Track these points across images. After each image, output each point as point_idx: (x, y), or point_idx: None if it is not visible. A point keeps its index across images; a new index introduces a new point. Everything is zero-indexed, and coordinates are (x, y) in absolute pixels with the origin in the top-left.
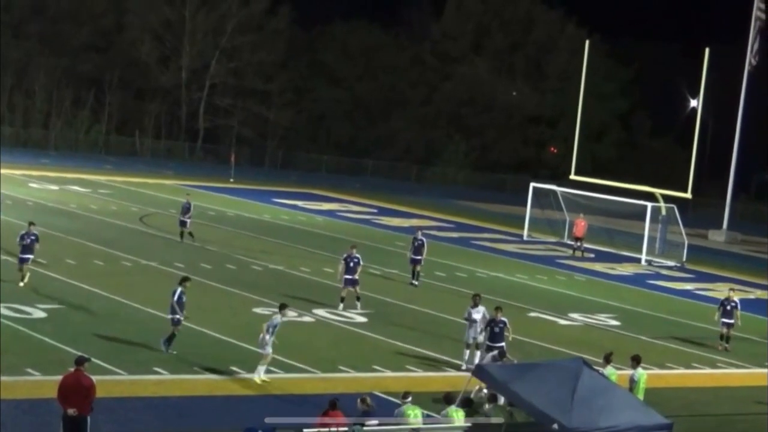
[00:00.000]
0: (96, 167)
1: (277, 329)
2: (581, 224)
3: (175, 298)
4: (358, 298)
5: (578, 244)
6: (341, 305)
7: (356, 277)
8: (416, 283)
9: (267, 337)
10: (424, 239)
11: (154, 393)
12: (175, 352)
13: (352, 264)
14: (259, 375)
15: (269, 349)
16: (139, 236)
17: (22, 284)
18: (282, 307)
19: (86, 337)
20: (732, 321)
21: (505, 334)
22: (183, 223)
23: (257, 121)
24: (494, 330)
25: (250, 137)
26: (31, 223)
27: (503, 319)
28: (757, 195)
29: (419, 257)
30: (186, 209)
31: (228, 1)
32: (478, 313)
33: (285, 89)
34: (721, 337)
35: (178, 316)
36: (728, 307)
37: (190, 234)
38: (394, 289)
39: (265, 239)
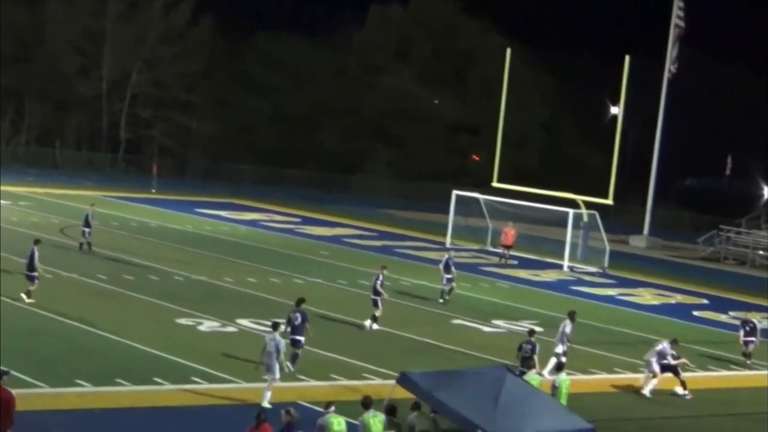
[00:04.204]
0: (16, 179)
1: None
2: (510, 233)
3: (298, 321)
4: (375, 318)
5: (506, 252)
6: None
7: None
8: (445, 298)
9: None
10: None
11: (76, 406)
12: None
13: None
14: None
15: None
16: (59, 248)
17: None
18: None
19: (6, 351)
20: (754, 339)
21: None
22: (85, 233)
23: (179, 131)
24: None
25: (172, 148)
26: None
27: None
28: (677, 201)
29: (450, 276)
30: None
31: (149, 11)
32: None
33: (207, 99)
34: (743, 354)
35: (300, 338)
36: (747, 328)
37: (89, 244)
38: (318, 297)
39: (188, 250)
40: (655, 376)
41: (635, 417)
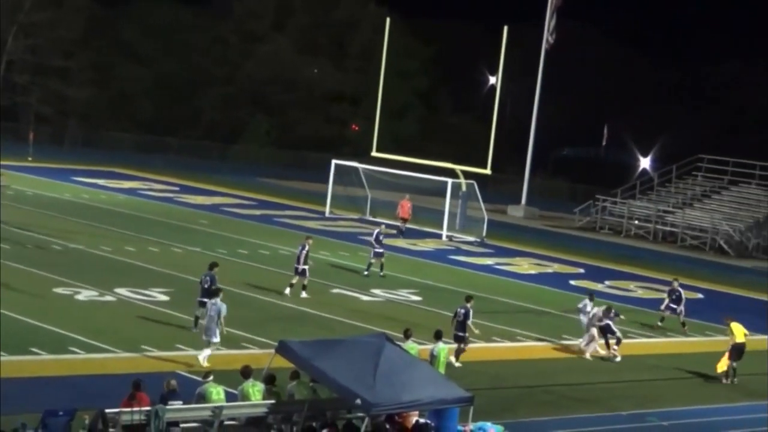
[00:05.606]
0: None
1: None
2: (406, 205)
3: (208, 284)
4: (304, 287)
5: (403, 225)
6: (288, 290)
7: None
8: (370, 271)
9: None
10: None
11: None
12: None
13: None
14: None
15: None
16: None
17: None
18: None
19: None
20: (678, 308)
21: None
22: None
23: (57, 99)
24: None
25: (49, 115)
26: None
27: None
28: (554, 171)
29: (380, 250)
30: None
31: None
32: None
33: (85, 67)
34: (662, 319)
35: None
36: (674, 297)
37: None
38: (196, 266)
39: (66, 218)
40: (594, 339)
41: (515, 385)
